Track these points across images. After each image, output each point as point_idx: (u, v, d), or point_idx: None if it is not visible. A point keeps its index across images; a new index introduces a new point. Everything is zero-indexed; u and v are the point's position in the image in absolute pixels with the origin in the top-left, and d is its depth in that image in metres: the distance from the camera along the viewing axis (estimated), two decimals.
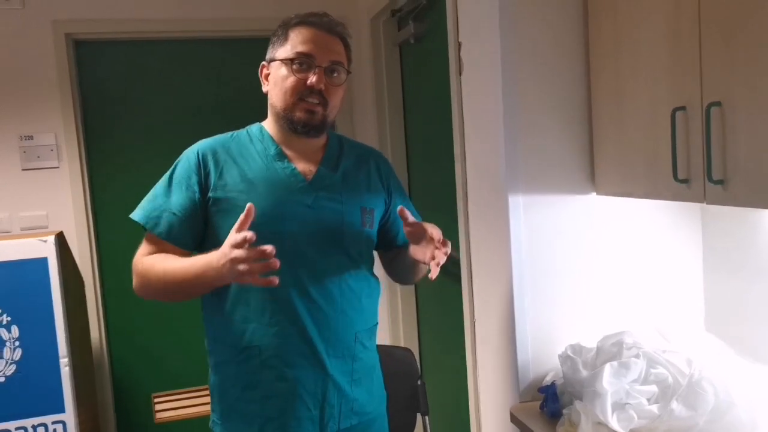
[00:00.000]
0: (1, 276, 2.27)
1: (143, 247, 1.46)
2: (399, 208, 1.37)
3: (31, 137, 2.86)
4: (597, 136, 1.67)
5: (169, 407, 2.96)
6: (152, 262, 1.42)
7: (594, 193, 1.72)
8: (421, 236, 1.37)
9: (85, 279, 2.90)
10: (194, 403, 3.02)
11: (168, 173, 1.47)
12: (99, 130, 3.05)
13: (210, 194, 1.42)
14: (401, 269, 1.65)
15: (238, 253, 1.21)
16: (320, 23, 1.44)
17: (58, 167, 2.90)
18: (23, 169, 2.87)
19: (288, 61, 1.41)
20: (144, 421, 3.10)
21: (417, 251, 1.40)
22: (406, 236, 1.42)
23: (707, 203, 1.29)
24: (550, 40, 1.67)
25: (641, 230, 1.76)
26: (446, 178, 2.31)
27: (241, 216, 1.24)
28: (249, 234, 1.20)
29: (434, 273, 1.33)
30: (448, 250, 1.35)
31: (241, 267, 1.21)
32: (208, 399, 2.91)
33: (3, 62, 2.82)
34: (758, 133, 1.15)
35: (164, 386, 3.03)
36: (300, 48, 1.41)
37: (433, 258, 1.33)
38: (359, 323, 1.48)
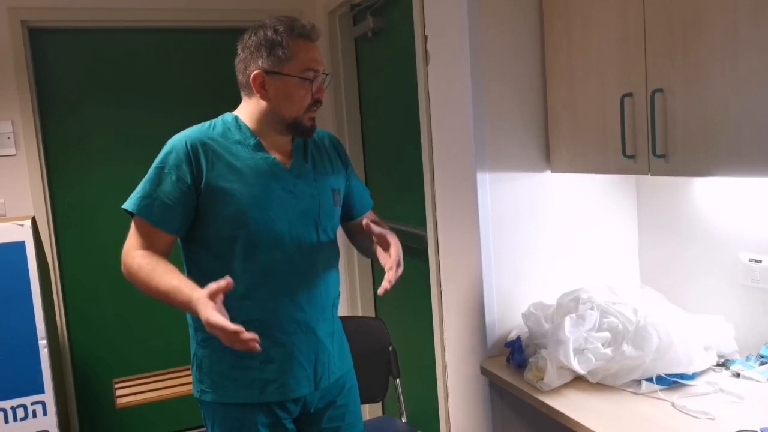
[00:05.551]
0: None
1: (134, 236, 1.49)
2: (365, 222, 1.53)
3: None
4: (552, 121, 1.90)
5: (130, 392, 2.98)
6: (140, 267, 1.44)
7: (549, 171, 1.95)
8: (386, 246, 1.53)
9: None
10: (155, 387, 3.05)
11: (156, 164, 1.49)
12: (57, 118, 3.05)
13: (203, 184, 1.48)
14: (363, 248, 1.78)
15: (217, 333, 1.28)
16: (313, 36, 1.57)
17: (15, 155, 2.89)
18: None
19: (305, 79, 1.53)
20: (105, 406, 3.14)
21: (381, 256, 1.55)
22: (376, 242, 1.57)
23: (651, 175, 1.54)
24: (510, 36, 1.88)
25: (587, 203, 2.01)
26: (410, 161, 2.48)
27: (215, 285, 1.31)
28: (231, 327, 1.26)
29: (381, 291, 1.43)
30: (400, 271, 1.49)
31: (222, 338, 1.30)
32: (169, 383, 2.98)
33: None
34: (693, 114, 1.40)
35: (125, 372, 3.07)
36: (312, 65, 1.54)
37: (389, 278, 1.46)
38: (334, 290, 1.66)
